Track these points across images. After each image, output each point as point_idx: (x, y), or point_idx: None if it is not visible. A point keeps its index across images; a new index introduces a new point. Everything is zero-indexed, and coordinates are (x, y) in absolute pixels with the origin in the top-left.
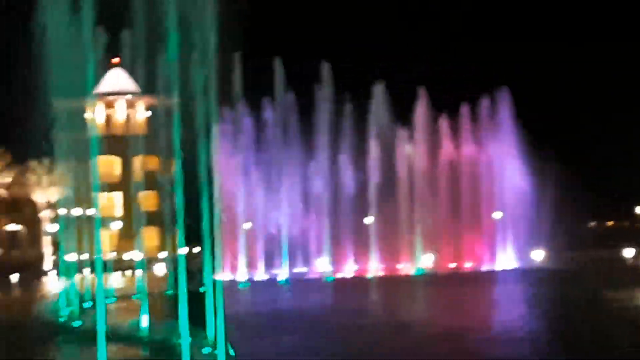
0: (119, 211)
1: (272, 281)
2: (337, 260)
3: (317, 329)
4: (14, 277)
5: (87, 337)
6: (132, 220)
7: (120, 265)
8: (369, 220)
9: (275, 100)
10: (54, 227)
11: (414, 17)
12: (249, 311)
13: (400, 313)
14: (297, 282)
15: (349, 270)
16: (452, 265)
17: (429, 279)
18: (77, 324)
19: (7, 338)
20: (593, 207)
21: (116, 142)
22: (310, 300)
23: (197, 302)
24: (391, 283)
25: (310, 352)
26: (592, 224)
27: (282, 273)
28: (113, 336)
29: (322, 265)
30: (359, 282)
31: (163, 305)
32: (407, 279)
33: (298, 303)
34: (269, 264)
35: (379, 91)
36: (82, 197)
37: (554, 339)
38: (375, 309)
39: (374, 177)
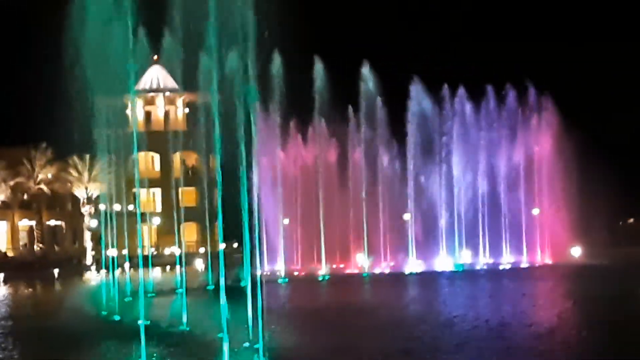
0: (158, 207)
1: (311, 277)
2: (374, 256)
3: (360, 324)
4: (55, 272)
5: (127, 331)
6: (171, 216)
7: (160, 260)
8: (406, 216)
9: (315, 96)
10: (95, 223)
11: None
12: (289, 306)
13: (445, 308)
14: (335, 278)
15: (386, 266)
16: (490, 261)
17: (467, 275)
18: (116, 318)
19: (48, 332)
20: (631, 204)
21: (156, 139)
22: (351, 295)
23: (237, 297)
24: (430, 278)
25: (354, 347)
26: (631, 220)
27: (321, 269)
28: (153, 331)
29: (360, 261)
30: (397, 278)
31: (203, 300)
32: (446, 274)
33: (339, 298)
34: (308, 260)
35: (415, 87)
36: (122, 192)
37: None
38: (422, 304)
39: (412, 172)
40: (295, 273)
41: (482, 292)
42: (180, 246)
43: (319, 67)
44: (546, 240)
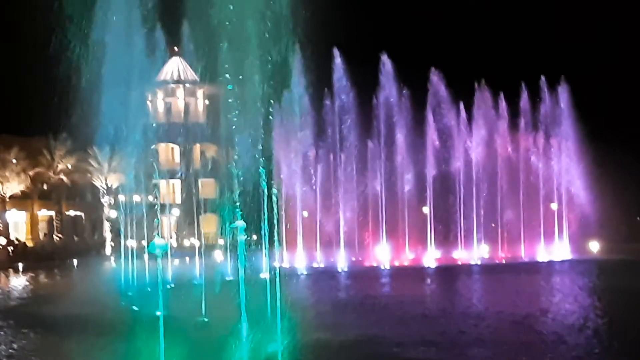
0: (178, 198)
1: (330, 269)
2: (394, 249)
3: (384, 317)
4: (74, 262)
5: (146, 321)
6: (191, 207)
7: (179, 251)
8: (426, 209)
9: (334, 89)
10: (114, 214)
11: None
12: (309, 298)
13: (466, 301)
14: (355, 271)
15: (405, 259)
16: (509, 255)
17: (486, 269)
18: (135, 308)
19: (65, 321)
20: None
21: (176, 130)
22: (372, 288)
23: (256, 289)
24: (449, 272)
25: (379, 339)
26: None
27: (340, 261)
28: (171, 321)
29: (380, 254)
30: (417, 271)
31: (222, 292)
32: (465, 268)
33: (360, 291)
34: (328, 253)
35: (434, 79)
36: (142, 183)
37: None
38: (444, 297)
39: (431, 165)
40: (315, 265)
41: (508, 286)
42: (199, 238)
43: (337, 60)
44: (565, 235)
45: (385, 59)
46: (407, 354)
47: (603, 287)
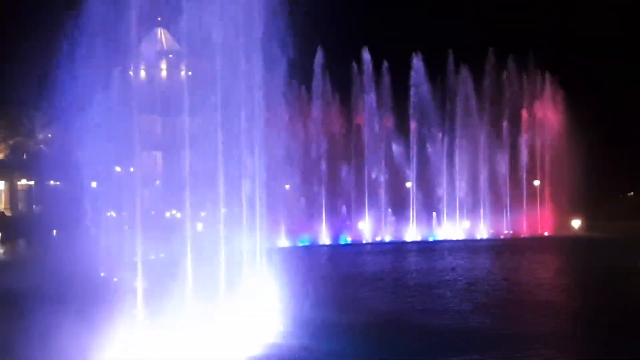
0: (160, 169)
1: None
2: (375, 225)
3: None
4: (54, 232)
5: (126, 293)
6: (173, 180)
7: (162, 223)
8: (409, 184)
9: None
10: (95, 184)
11: None
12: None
13: (444, 274)
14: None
15: (386, 234)
16: (490, 231)
17: (468, 245)
18: (115, 279)
19: (45, 292)
20: (632, 177)
21: (158, 101)
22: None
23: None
24: (430, 248)
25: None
26: (631, 193)
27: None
28: (152, 292)
29: (362, 229)
30: (397, 247)
31: (205, 264)
32: (447, 244)
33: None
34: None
35: (417, 58)
36: (124, 155)
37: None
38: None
39: (415, 141)
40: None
41: (489, 261)
42: (181, 209)
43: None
44: (546, 212)
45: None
46: None
47: (572, 265)
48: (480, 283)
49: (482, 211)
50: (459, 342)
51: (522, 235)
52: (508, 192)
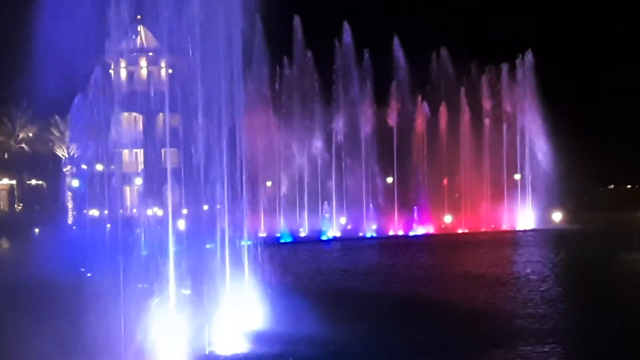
0: (141, 168)
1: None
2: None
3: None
4: (36, 231)
5: (105, 288)
6: (154, 177)
7: (142, 221)
8: (389, 179)
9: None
10: (76, 183)
11: None
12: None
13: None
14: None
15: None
16: (469, 226)
17: (448, 240)
18: (93, 276)
19: (26, 289)
20: (612, 170)
21: (139, 99)
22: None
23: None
24: (409, 244)
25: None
26: (611, 186)
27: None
28: (130, 288)
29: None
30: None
31: (184, 261)
32: (429, 239)
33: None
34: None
35: (396, 44)
36: (105, 153)
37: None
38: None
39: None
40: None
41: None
42: (163, 207)
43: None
44: (526, 206)
45: (346, 27)
46: None
47: (555, 257)
48: None
49: (462, 205)
50: None
51: (503, 229)
52: (488, 186)
